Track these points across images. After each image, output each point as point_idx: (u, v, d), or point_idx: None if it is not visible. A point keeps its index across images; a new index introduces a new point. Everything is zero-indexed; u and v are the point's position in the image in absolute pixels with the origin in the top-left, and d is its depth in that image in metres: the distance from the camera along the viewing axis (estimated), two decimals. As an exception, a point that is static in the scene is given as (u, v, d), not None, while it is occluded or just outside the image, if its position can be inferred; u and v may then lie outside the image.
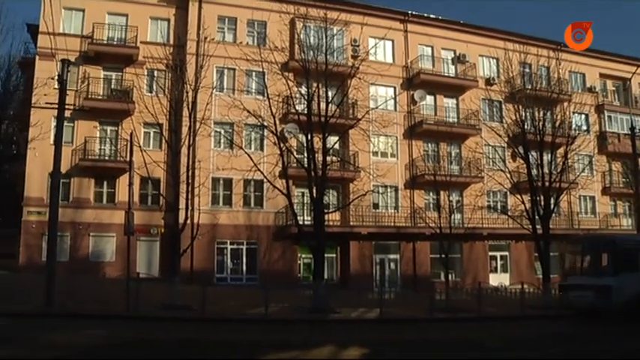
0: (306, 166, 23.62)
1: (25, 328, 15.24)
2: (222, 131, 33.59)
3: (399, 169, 39.17)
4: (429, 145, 41.03)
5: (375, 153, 37.12)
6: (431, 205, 37.74)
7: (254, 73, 30.55)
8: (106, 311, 19.03)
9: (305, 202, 32.82)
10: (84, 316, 17.93)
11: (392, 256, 38.25)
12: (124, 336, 14.76)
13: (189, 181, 22.93)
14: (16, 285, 25.70)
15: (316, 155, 23.41)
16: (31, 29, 36.69)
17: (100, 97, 35.53)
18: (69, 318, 17.47)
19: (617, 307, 19.62)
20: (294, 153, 26.69)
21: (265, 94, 24.60)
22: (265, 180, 25.87)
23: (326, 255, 26.31)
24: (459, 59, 42.41)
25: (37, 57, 34.86)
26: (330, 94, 24.55)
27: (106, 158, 35.51)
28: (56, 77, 22.61)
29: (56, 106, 21.56)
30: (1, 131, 21.53)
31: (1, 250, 39.11)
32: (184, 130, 23.37)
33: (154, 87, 30.38)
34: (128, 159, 23.61)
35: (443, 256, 26.31)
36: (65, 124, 23.02)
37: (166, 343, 14.30)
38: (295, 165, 26.50)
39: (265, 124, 24.76)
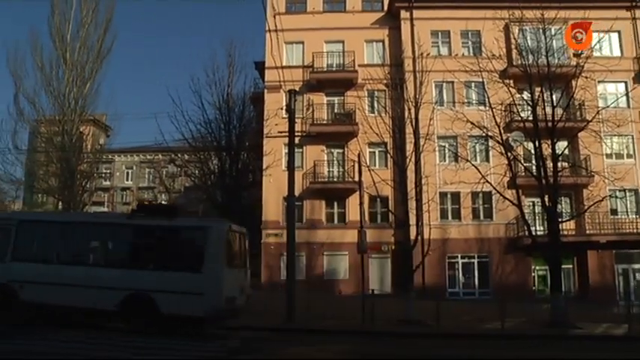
0: (535, 174, 22.67)
1: (267, 341, 16.22)
2: (447, 145, 33.44)
3: (638, 171, 36.07)
4: (673, 141, 37.23)
5: (609, 155, 34.34)
6: (680, 209, 34.29)
7: (473, 84, 30.07)
8: (342, 327, 19.51)
9: (536, 211, 31.42)
10: (322, 331, 18.51)
11: (637, 266, 34.92)
12: (363, 351, 15.07)
13: (418, 197, 22.92)
14: (259, 302, 27.46)
15: (546, 162, 22.38)
16: (258, 66, 39.53)
17: (325, 122, 37.18)
18: (308, 333, 18.21)
19: None
20: (522, 161, 25.75)
21: (487, 104, 24.05)
22: (494, 191, 25.25)
23: (562, 266, 24.94)
24: (703, 39, 38.10)
25: (265, 90, 37.52)
26: (554, 97, 23.32)
27: (335, 180, 36.97)
28: (284, 107, 24.07)
29: (286, 134, 22.83)
30: (239, 162, 23.11)
31: (246, 270, 42.22)
32: (409, 146, 23.51)
33: (376, 107, 31.13)
34: (357, 179, 24.30)
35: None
36: (295, 150, 24.30)
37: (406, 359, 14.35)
38: (524, 174, 25.50)
39: (490, 134, 24.13)
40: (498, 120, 23.50)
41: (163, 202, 23.90)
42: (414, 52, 32.86)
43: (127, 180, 75.17)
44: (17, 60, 43.40)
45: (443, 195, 34.59)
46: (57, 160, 43.51)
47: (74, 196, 43.86)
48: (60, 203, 52.45)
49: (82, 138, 46.61)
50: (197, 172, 25.33)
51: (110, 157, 66.98)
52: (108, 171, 72.01)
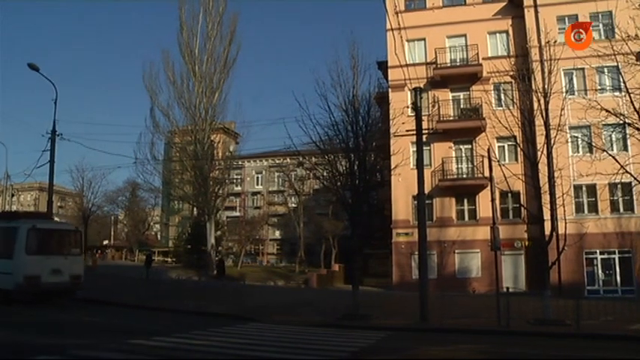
0: (681, 161, 21.17)
1: (400, 341, 16.11)
2: (580, 135, 31.96)
3: None
4: None
5: None
6: None
7: (606, 69, 28.51)
8: (477, 326, 19.05)
9: (686, 202, 29.45)
10: (456, 330, 18.18)
11: None
12: (499, 351, 14.62)
13: (551, 191, 21.98)
14: (391, 301, 27.54)
15: (691, 148, 20.84)
16: (381, 66, 39.61)
17: (451, 118, 36.85)
18: (442, 332, 17.96)
19: None
20: (665, 148, 24.14)
21: (623, 89, 22.69)
22: (634, 182, 23.78)
23: None
24: None
25: (389, 90, 37.49)
26: (703, 76, 21.62)
27: (464, 176, 36.51)
28: (410, 106, 23.85)
29: (413, 132, 22.62)
30: (366, 162, 23.12)
31: (376, 270, 42.60)
32: (540, 139, 22.66)
33: (503, 100, 30.34)
34: (487, 175, 23.73)
35: None
36: (423, 148, 24.04)
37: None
38: (667, 162, 23.90)
39: (627, 121, 22.71)
40: (637, 105, 22.03)
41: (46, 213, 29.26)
42: (539, 40, 31.65)
43: (257, 184, 77.56)
44: (152, 77, 46.15)
45: (578, 188, 33.18)
46: (191, 168, 45.69)
47: (208, 201, 45.85)
48: (195, 209, 54.99)
49: (213, 146, 48.67)
50: (325, 173, 25.59)
51: (240, 163, 69.42)
52: (239, 176, 74.63)
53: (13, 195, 72.65)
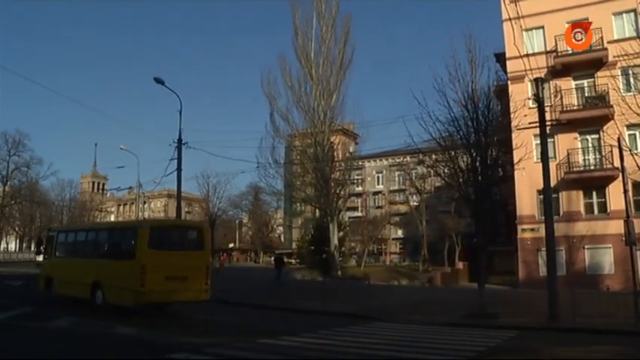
0: None
1: (529, 341, 15.48)
2: None
3: None
4: None
5: None
6: None
7: None
8: (611, 326, 17.87)
9: None
10: (588, 330, 17.23)
11: None
12: (638, 354, 13.81)
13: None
14: (518, 299, 26.71)
15: None
16: (499, 58, 38.43)
17: (575, 108, 35.34)
18: (573, 332, 17.17)
19: None
20: None
21: None
22: None
23: None
24: None
25: (509, 82, 36.35)
26: None
27: (592, 168, 34.91)
28: (531, 97, 23.03)
29: (536, 124, 21.78)
30: (488, 157, 22.56)
31: (501, 267, 41.50)
32: (675, 124, 21.29)
33: (632, 85, 28.73)
34: (617, 165, 22.56)
35: None
36: (547, 140, 23.15)
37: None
38: None
39: None
40: None
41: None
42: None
43: (378, 184, 77.64)
44: (270, 83, 47.40)
45: None
46: (312, 170, 46.44)
47: (330, 203, 46.38)
48: (317, 211, 55.78)
49: (333, 147, 49.17)
50: (447, 170, 25.23)
51: (360, 163, 69.66)
52: (359, 177, 74.92)
53: (144, 202, 76.66)
